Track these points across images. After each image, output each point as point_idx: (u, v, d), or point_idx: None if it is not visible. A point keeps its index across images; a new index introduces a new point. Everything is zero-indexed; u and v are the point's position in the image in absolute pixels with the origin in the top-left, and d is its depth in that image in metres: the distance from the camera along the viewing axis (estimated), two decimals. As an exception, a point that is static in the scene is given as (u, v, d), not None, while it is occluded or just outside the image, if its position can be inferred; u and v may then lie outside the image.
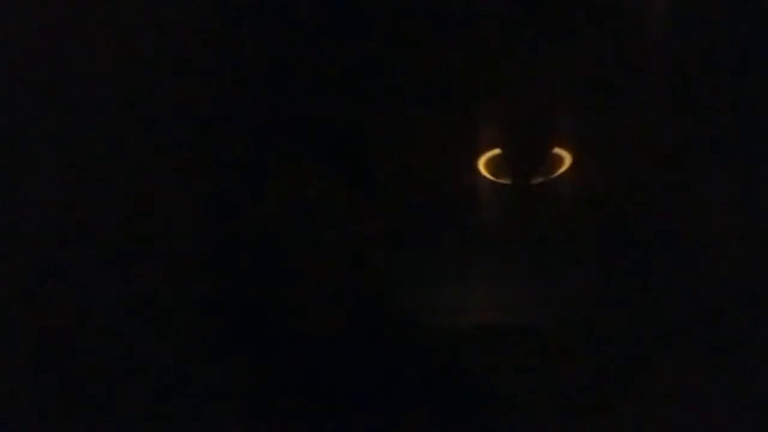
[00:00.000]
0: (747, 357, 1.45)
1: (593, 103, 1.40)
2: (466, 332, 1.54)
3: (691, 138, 1.43)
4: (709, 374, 1.47)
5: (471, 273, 1.56)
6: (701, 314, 1.48)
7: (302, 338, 1.52)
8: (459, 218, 1.53)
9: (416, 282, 1.56)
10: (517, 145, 1.44)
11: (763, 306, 1.46)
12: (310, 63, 1.37)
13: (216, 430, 1.50)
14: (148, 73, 1.38)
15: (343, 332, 1.52)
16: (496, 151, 1.44)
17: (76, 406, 1.46)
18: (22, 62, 1.35)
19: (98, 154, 1.42)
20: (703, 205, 1.47)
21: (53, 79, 1.38)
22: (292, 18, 1.34)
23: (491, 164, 1.45)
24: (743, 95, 1.38)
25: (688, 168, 1.46)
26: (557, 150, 1.44)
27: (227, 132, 1.44)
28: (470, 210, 1.52)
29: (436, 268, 1.56)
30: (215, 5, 1.37)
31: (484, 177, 1.46)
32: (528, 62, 1.35)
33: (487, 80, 1.36)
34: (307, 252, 1.50)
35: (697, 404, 1.46)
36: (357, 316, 1.52)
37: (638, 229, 1.51)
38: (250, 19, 1.35)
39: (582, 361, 1.50)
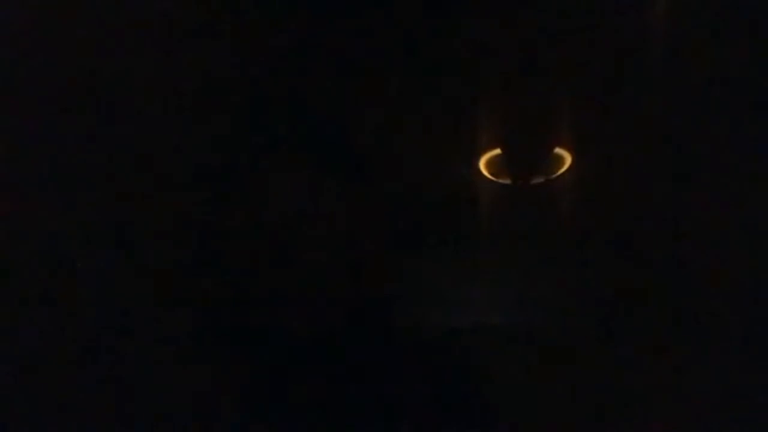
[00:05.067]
0: (747, 357, 1.45)
1: (593, 103, 1.39)
2: (466, 332, 1.54)
3: (691, 138, 1.43)
4: (709, 373, 1.47)
5: (471, 273, 1.57)
6: (701, 313, 1.49)
7: (302, 338, 1.52)
8: (459, 218, 1.53)
9: (417, 282, 1.56)
10: (517, 145, 1.44)
11: (763, 306, 1.46)
12: (310, 63, 1.36)
13: (216, 427, 1.51)
14: (146, 71, 1.37)
15: (343, 332, 1.52)
16: (497, 151, 1.44)
17: (77, 405, 1.47)
18: (23, 64, 1.34)
19: (97, 153, 1.42)
20: (703, 205, 1.47)
21: (55, 79, 1.37)
22: (294, 17, 1.34)
23: (492, 164, 1.45)
24: (744, 96, 1.38)
25: (688, 168, 1.46)
26: (558, 150, 1.44)
27: (228, 132, 1.44)
28: (470, 210, 1.52)
29: (437, 268, 1.56)
30: (216, 3, 1.36)
31: (485, 177, 1.46)
32: (528, 62, 1.34)
33: (487, 80, 1.36)
34: (307, 252, 1.50)
35: (696, 403, 1.46)
36: (357, 316, 1.52)
37: (638, 229, 1.51)
38: (251, 18, 1.35)
39: (582, 361, 1.50)
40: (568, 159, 1.44)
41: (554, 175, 1.46)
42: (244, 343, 1.51)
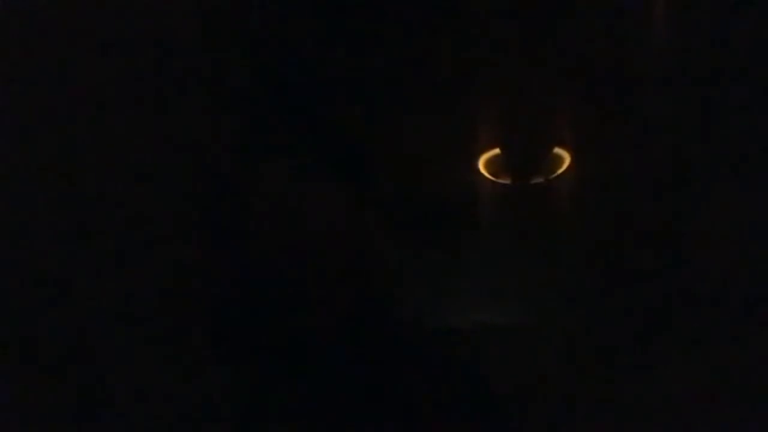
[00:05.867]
0: (746, 357, 1.45)
1: (593, 103, 1.39)
2: (465, 331, 1.54)
3: (690, 138, 1.43)
4: (709, 373, 1.47)
5: (471, 272, 1.57)
6: (700, 314, 1.49)
7: (302, 338, 1.52)
8: (459, 218, 1.53)
9: (416, 282, 1.56)
10: (516, 145, 1.44)
11: (763, 306, 1.46)
12: (310, 63, 1.36)
13: (215, 429, 1.51)
14: (146, 69, 1.38)
15: (343, 331, 1.52)
16: (496, 151, 1.44)
17: (76, 407, 1.47)
18: (23, 63, 1.35)
19: (96, 152, 1.42)
20: (703, 205, 1.47)
21: (54, 78, 1.37)
22: (293, 18, 1.34)
23: (491, 164, 1.45)
24: (743, 96, 1.38)
25: (688, 168, 1.46)
26: (557, 150, 1.44)
27: (228, 132, 1.44)
28: (470, 210, 1.52)
29: (436, 268, 1.56)
30: (217, 3, 1.37)
31: (484, 177, 1.46)
32: (528, 62, 1.34)
33: (487, 80, 1.36)
34: (307, 252, 1.50)
35: (695, 403, 1.46)
36: (357, 316, 1.52)
37: (638, 229, 1.51)
38: (251, 18, 1.35)
39: (581, 361, 1.50)
40: (567, 159, 1.44)
41: (553, 175, 1.45)
42: (242, 343, 1.51)
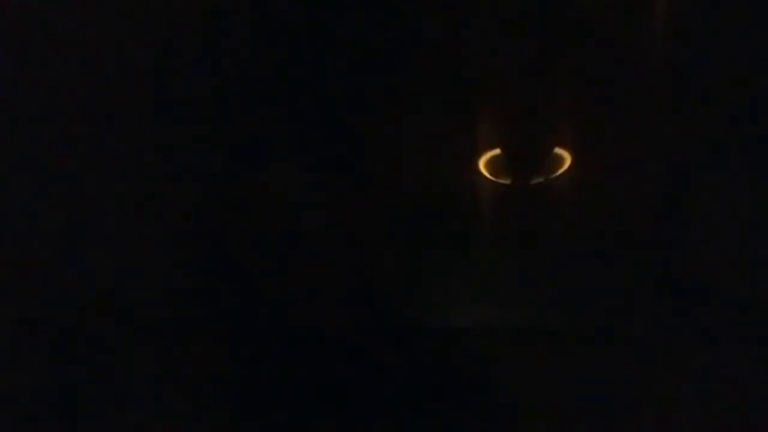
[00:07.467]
0: (747, 356, 1.46)
1: (593, 103, 1.39)
2: (466, 332, 1.54)
3: (690, 138, 1.43)
4: (709, 373, 1.48)
5: (471, 273, 1.57)
6: (700, 314, 1.49)
7: (302, 338, 1.52)
8: (459, 218, 1.53)
9: (416, 282, 1.56)
10: (517, 145, 1.44)
11: (764, 305, 1.46)
12: (310, 63, 1.36)
13: (215, 428, 1.51)
14: (146, 71, 1.38)
15: (343, 331, 1.53)
16: (497, 151, 1.44)
17: (75, 403, 1.47)
18: (23, 61, 1.34)
19: (97, 150, 1.42)
20: (703, 205, 1.47)
21: (54, 79, 1.37)
22: (293, 18, 1.34)
23: (491, 164, 1.45)
24: (743, 96, 1.38)
25: (688, 168, 1.46)
26: (557, 150, 1.44)
27: (230, 133, 1.44)
28: (470, 210, 1.52)
29: (436, 268, 1.56)
30: (215, 3, 1.37)
31: (485, 177, 1.46)
32: (528, 63, 1.34)
33: (487, 80, 1.36)
34: (307, 252, 1.50)
35: (695, 403, 1.47)
36: (357, 316, 1.53)
37: (638, 229, 1.51)
38: (251, 19, 1.35)
39: (582, 361, 1.51)
40: (567, 159, 1.44)
41: (554, 175, 1.45)
42: (243, 343, 1.51)
